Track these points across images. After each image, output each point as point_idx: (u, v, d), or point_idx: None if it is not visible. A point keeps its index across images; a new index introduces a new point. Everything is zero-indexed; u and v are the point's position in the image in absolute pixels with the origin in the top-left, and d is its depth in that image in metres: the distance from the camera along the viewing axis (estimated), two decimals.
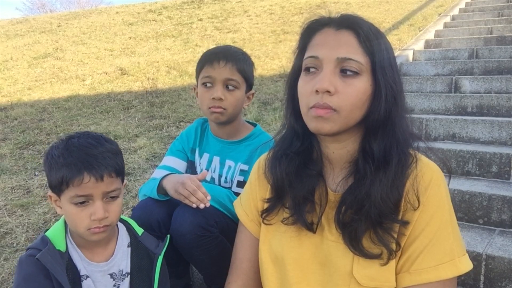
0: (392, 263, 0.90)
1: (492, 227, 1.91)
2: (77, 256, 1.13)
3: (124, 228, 1.24)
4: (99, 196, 1.07)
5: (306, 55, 0.95)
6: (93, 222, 1.07)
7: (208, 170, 1.58)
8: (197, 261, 1.42)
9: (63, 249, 1.11)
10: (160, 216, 1.40)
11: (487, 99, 3.00)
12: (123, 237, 1.22)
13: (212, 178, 1.58)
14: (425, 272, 0.89)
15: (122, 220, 1.25)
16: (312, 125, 0.92)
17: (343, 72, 0.90)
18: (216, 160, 1.58)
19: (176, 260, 1.45)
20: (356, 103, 0.90)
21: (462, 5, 6.57)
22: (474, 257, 1.60)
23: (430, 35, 5.27)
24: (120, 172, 1.12)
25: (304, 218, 0.98)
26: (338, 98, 0.89)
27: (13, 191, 2.74)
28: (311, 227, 0.99)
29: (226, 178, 1.55)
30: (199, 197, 1.31)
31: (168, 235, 1.28)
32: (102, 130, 3.81)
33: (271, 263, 1.05)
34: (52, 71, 6.31)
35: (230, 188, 1.54)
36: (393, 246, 0.90)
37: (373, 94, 0.92)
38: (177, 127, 3.80)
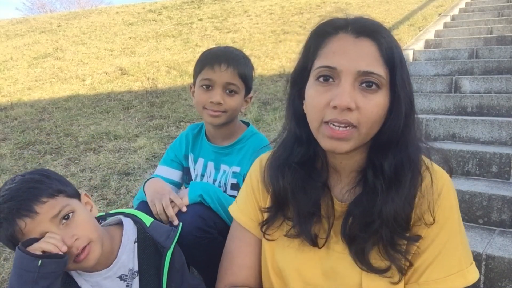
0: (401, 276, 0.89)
1: (492, 227, 1.91)
2: (75, 272, 1.05)
3: (131, 222, 1.14)
4: (53, 224, 0.94)
5: (320, 63, 0.86)
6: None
7: (204, 175, 1.58)
8: (198, 263, 1.42)
9: None
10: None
11: (487, 99, 3.00)
12: (129, 233, 1.12)
13: None
14: (434, 284, 0.87)
15: (128, 214, 1.16)
16: (326, 144, 0.85)
17: (363, 85, 0.83)
18: (211, 165, 1.58)
19: None
20: (376, 119, 0.84)
21: (462, 5, 6.57)
22: (474, 257, 1.60)
23: (430, 35, 5.27)
24: (57, 192, 0.98)
25: (309, 233, 0.93)
26: (358, 114, 0.82)
27: None
28: (316, 242, 0.93)
29: (219, 182, 1.55)
30: (170, 214, 1.32)
31: (181, 223, 1.23)
32: (102, 130, 3.82)
33: (273, 275, 1.01)
34: (52, 71, 6.31)
35: (224, 192, 1.54)
36: (402, 263, 0.87)
37: (389, 108, 0.85)
38: (177, 127, 3.80)
